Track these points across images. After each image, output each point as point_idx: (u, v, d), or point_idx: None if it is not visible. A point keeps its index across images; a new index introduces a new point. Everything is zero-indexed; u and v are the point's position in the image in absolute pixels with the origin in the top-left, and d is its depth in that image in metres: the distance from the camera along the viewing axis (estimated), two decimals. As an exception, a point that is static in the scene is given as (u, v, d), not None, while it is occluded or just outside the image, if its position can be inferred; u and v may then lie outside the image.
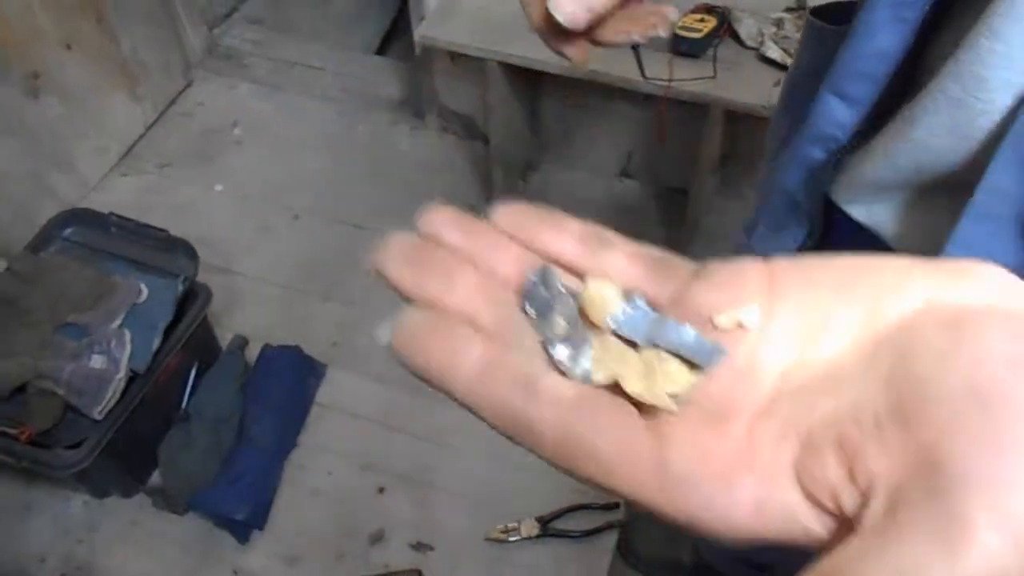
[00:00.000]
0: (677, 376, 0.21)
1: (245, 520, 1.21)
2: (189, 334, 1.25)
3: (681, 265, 0.23)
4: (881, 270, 0.20)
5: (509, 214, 0.24)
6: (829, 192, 0.53)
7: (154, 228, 1.31)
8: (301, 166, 1.83)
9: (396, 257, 0.23)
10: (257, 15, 2.15)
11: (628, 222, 1.69)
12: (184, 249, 1.30)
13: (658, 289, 0.22)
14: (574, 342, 0.22)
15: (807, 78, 0.53)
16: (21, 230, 1.39)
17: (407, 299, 0.23)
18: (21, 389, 1.15)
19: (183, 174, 1.82)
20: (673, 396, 0.21)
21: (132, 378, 1.17)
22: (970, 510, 0.16)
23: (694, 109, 1.38)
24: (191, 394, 1.30)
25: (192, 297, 1.27)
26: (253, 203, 1.77)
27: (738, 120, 1.39)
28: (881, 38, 0.42)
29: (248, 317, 1.54)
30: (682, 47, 1.33)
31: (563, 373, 0.21)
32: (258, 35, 2.09)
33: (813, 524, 0.19)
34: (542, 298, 0.22)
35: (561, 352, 0.21)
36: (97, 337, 1.16)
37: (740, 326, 0.21)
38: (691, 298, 0.22)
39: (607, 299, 0.22)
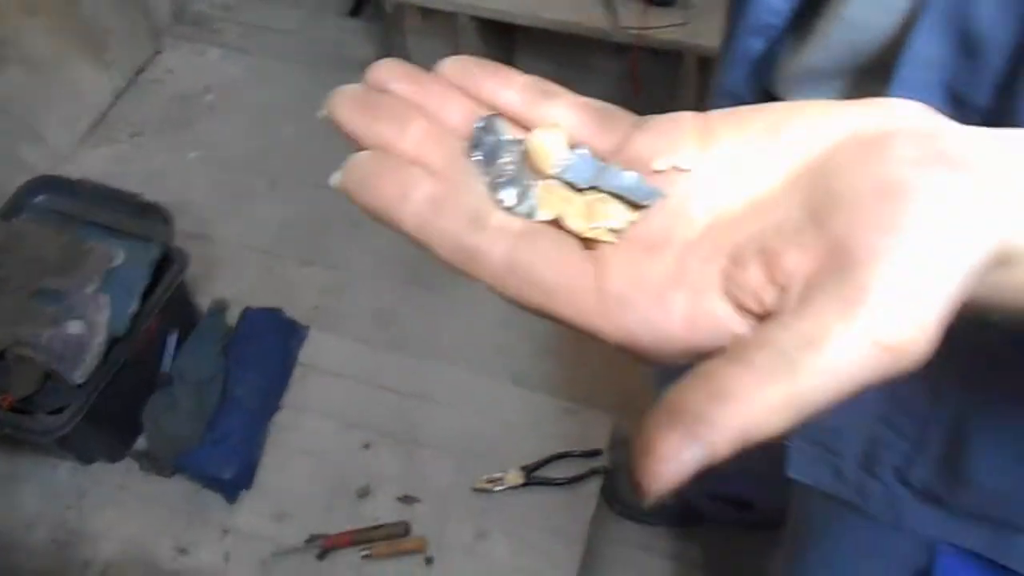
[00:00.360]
0: (617, 214, 0.22)
1: (232, 479, 1.22)
2: (167, 298, 1.25)
3: (623, 116, 0.24)
4: (808, 110, 0.22)
5: (456, 66, 0.24)
6: (770, 87, 0.53)
7: (127, 193, 1.30)
8: (276, 131, 1.82)
9: (347, 104, 0.23)
10: (225, -21, 2.11)
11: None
12: (159, 213, 1.29)
13: (601, 139, 0.23)
14: (520, 184, 0.23)
15: None
16: (-8, 200, 1.37)
17: (357, 144, 0.23)
18: (0, 356, 1.14)
19: (156, 142, 1.80)
20: (612, 231, 0.22)
21: (112, 343, 1.17)
22: (870, 280, 0.18)
23: (668, 59, 1.38)
24: (173, 358, 1.30)
25: (168, 262, 1.27)
26: (229, 169, 1.75)
27: (712, 68, 1.39)
28: None
29: (227, 283, 1.54)
30: (654, -5, 1.33)
31: (508, 212, 0.23)
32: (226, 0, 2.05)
33: (739, 329, 0.21)
34: (489, 144, 0.23)
35: (507, 193, 0.23)
36: (74, 302, 1.15)
37: (676, 169, 0.22)
38: (632, 146, 0.23)
39: (553, 146, 0.23)
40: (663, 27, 1.30)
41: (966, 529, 0.49)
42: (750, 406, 0.18)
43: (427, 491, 1.27)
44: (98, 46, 1.76)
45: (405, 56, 1.77)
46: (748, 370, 0.18)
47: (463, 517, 1.25)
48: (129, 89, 1.88)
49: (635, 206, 0.22)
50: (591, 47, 1.48)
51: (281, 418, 1.34)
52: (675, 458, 0.18)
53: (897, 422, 0.46)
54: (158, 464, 1.26)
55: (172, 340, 1.31)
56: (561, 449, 1.29)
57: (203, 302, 1.43)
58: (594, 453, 1.30)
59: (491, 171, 0.23)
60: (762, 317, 0.20)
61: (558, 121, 0.23)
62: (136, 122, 1.83)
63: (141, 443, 1.29)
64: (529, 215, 0.22)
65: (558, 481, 1.27)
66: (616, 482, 1.30)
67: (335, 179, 0.22)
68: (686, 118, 0.23)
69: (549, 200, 0.23)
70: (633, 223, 0.22)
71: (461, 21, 1.44)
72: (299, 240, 1.64)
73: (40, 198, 1.30)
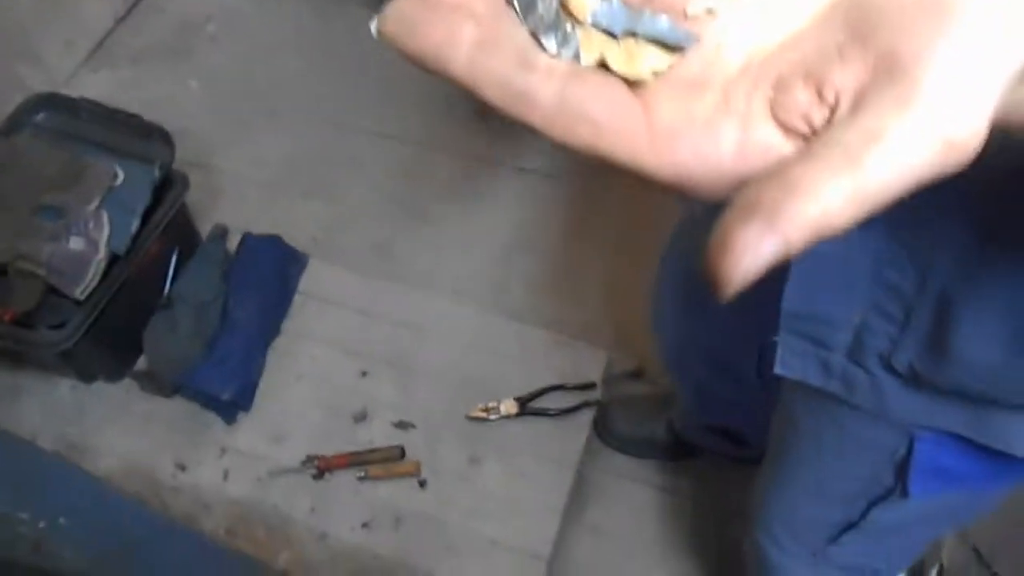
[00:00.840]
0: (656, 56, 0.23)
1: (231, 400, 1.24)
2: (168, 220, 1.25)
3: None
4: None
5: None
6: None
7: (128, 114, 1.29)
8: (278, 63, 1.80)
9: None
10: (227, -94, 2.06)
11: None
12: (160, 135, 1.28)
13: None
14: (560, 30, 0.23)
15: None
16: (-9, 119, 1.36)
17: None
18: (2, 272, 1.15)
19: (156, 70, 1.78)
20: (655, 73, 0.23)
21: (113, 261, 1.18)
22: (922, 78, 0.19)
23: None
24: (173, 280, 1.31)
25: (169, 184, 1.27)
26: (229, 100, 1.74)
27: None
28: None
29: (228, 211, 1.54)
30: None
31: (554, 57, 0.23)
32: (229, -73, 2.01)
33: (788, 153, 0.21)
34: None
35: (549, 39, 0.23)
36: (74, 218, 1.15)
37: (709, 12, 0.23)
38: None
39: None
40: None
41: (945, 411, 0.50)
42: (822, 198, 0.18)
43: (422, 418, 1.30)
44: (98, -31, 1.73)
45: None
46: (818, 164, 0.19)
47: (457, 443, 1.27)
48: (130, 15, 1.85)
49: (672, 50, 0.23)
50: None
51: (280, 343, 1.36)
52: (753, 250, 0.18)
53: (886, 306, 0.47)
54: (158, 384, 1.28)
55: (173, 262, 1.32)
56: (555, 381, 1.31)
57: (204, 228, 1.43)
58: (588, 386, 1.32)
59: (530, 19, 0.23)
60: (810, 138, 0.21)
61: None
62: (136, 48, 1.81)
63: (141, 363, 1.31)
64: (574, 59, 0.23)
65: (551, 412, 1.29)
66: (609, 413, 1.33)
67: (374, 26, 0.22)
68: None
69: (590, 44, 0.23)
70: (672, 66, 0.23)
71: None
72: (299, 173, 1.64)
73: (40, 116, 1.29)
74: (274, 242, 1.40)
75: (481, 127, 1.66)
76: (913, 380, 0.50)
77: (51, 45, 1.68)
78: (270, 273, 1.36)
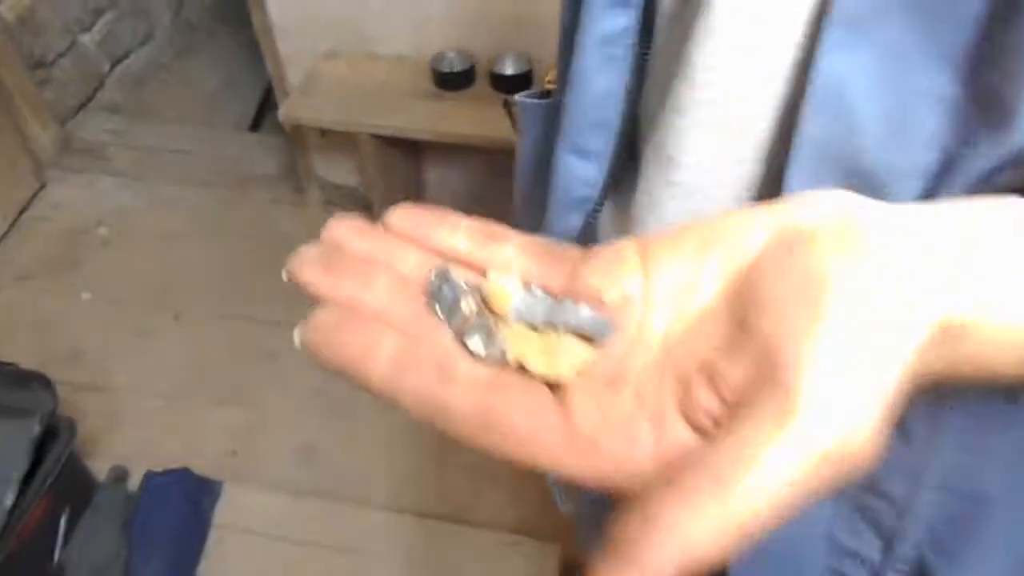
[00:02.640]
0: (576, 351, 0.23)
1: None
2: (53, 478, 1.11)
3: (569, 251, 0.25)
4: (732, 219, 0.22)
5: (404, 217, 0.25)
6: None
7: (1, 363, 1.16)
8: (178, 260, 1.70)
9: (309, 264, 0.24)
10: (113, 102, 2.01)
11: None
12: (39, 381, 1.15)
13: (551, 275, 0.24)
14: (484, 329, 0.23)
15: (537, 159, 0.51)
16: None
17: (321, 302, 0.23)
18: None
19: (45, 285, 1.66)
20: (575, 371, 0.23)
21: (-14, 543, 1.02)
22: (797, 386, 0.18)
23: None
24: (64, 544, 1.15)
25: (53, 434, 1.13)
26: (127, 308, 1.62)
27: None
28: (599, 82, 0.39)
29: (130, 438, 1.40)
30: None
31: (477, 360, 0.23)
32: (117, 124, 1.96)
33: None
34: (446, 296, 0.24)
35: (474, 340, 0.23)
36: (-64, 505, 1.00)
37: (625, 298, 0.23)
38: (581, 279, 0.24)
39: (508, 289, 0.24)
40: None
41: None
42: (683, 532, 0.17)
43: (368, 663, 1.14)
44: (-28, 189, 1.63)
45: (310, 171, 1.70)
46: (682, 492, 0.18)
47: None
48: (12, 230, 1.74)
49: (593, 341, 0.23)
50: (499, 153, 1.44)
51: (197, 594, 1.20)
52: None
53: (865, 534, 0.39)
54: (52, 674, 1.09)
55: (63, 522, 1.16)
56: (511, 593, 1.19)
57: (101, 465, 1.29)
58: (548, 591, 1.19)
59: (454, 321, 0.23)
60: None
61: (509, 263, 0.24)
62: (21, 265, 1.69)
63: (32, 649, 1.12)
64: (499, 359, 0.23)
65: (512, 631, 1.16)
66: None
67: (297, 337, 0.23)
68: (628, 246, 0.24)
69: (514, 340, 0.23)
70: (593, 361, 0.23)
71: (361, 139, 1.38)
72: (208, 379, 1.51)
73: (-103, 380, 1.15)
74: (181, 477, 1.26)
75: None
76: None
77: (-78, 277, 1.55)
78: (178, 515, 1.22)
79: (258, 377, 1.51)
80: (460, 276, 0.24)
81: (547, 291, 0.24)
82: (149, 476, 1.25)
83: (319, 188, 1.74)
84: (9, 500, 1.04)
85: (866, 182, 0.29)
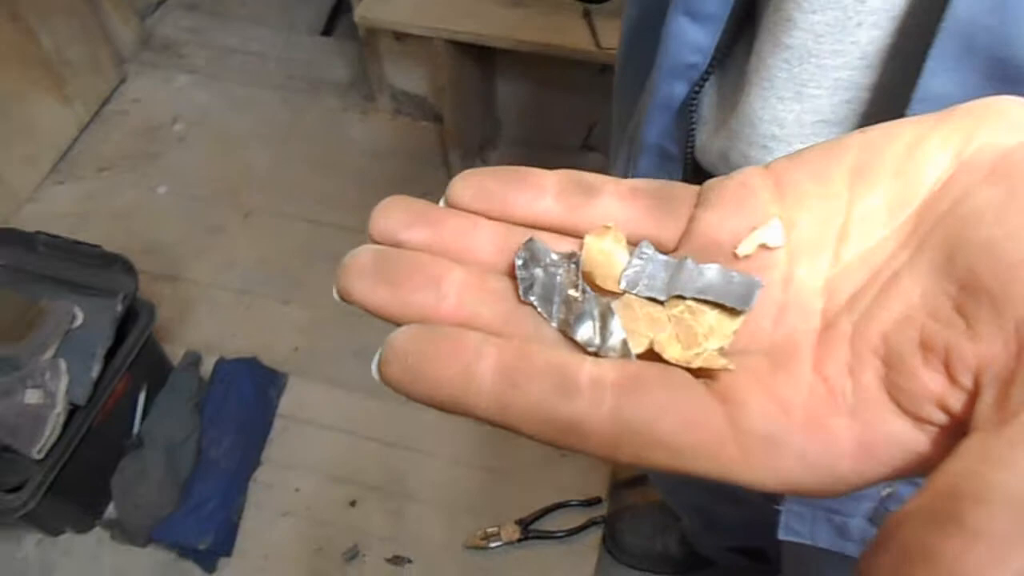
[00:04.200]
0: (717, 326, 0.18)
1: (209, 549, 1.15)
2: (133, 357, 1.17)
3: (682, 193, 0.20)
4: (893, 140, 0.18)
5: (469, 187, 0.20)
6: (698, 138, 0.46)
7: (87, 244, 1.22)
8: (249, 160, 1.73)
9: (361, 278, 0.19)
10: (192, 0, 2.02)
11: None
12: (122, 264, 1.21)
13: (663, 228, 0.19)
14: (592, 316, 0.19)
15: (643, 27, 0.46)
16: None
17: (391, 321, 0.19)
18: (-47, 431, 1.06)
19: (124, 177, 1.71)
20: (721, 352, 0.18)
21: (73, 410, 1.09)
22: None
23: (656, 77, 1.31)
24: (143, 419, 1.23)
25: (133, 316, 1.19)
26: (200, 204, 1.67)
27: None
28: None
29: (202, 327, 1.46)
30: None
31: (594, 354, 0.18)
32: (194, 22, 1.97)
33: (924, 446, 0.16)
34: (539, 279, 0.19)
35: (584, 332, 0.18)
36: (29, 370, 1.07)
37: (764, 248, 0.18)
38: (701, 228, 0.19)
39: (611, 256, 0.19)
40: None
41: None
42: None
43: (418, 550, 1.20)
44: (59, 80, 1.67)
45: (381, 78, 1.69)
46: (982, 543, 0.12)
47: (457, 577, 1.18)
48: (94, 122, 1.79)
49: (732, 312, 0.18)
50: (574, 65, 1.40)
51: (262, 475, 1.27)
52: None
53: None
54: (130, 534, 1.18)
55: (141, 399, 1.23)
56: (558, 499, 1.22)
57: (176, 350, 1.35)
58: (593, 501, 1.23)
59: (554, 310, 0.19)
60: (953, 426, 0.16)
61: (609, 221, 0.19)
62: (102, 157, 1.74)
63: (112, 511, 1.22)
64: (620, 350, 0.18)
65: (557, 534, 1.20)
66: (618, 529, 1.23)
67: (376, 370, 0.18)
68: (754, 178, 0.19)
69: (635, 322, 0.19)
70: (736, 332, 0.18)
71: (436, 45, 1.37)
72: (276, 277, 1.56)
73: (-7, 254, 1.21)
74: (250, 365, 1.32)
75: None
76: None
77: (11, 162, 1.61)
78: (247, 401, 1.28)
79: (322, 278, 1.55)
80: (549, 250, 0.19)
81: (660, 250, 0.19)
82: (220, 362, 1.31)
83: (390, 96, 1.74)
84: (95, 372, 1.11)
85: (1013, 83, 0.27)
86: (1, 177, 1.59)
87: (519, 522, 1.20)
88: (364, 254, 0.19)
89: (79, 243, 1.22)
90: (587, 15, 1.27)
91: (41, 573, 1.20)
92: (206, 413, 1.25)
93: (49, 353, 1.09)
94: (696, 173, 0.48)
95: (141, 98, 1.84)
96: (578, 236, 0.19)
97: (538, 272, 0.19)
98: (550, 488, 1.23)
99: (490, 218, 0.20)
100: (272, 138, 1.77)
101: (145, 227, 1.61)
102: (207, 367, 1.33)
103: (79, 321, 1.13)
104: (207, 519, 1.15)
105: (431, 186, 1.63)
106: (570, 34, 1.26)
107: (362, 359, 1.45)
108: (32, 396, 1.06)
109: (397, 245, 0.19)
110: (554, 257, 0.19)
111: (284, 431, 1.31)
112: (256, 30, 1.95)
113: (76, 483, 1.13)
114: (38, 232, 1.22)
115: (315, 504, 1.24)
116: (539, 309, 0.19)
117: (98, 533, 1.22)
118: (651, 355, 0.18)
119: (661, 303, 0.19)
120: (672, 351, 0.18)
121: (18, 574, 1.20)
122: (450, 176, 1.65)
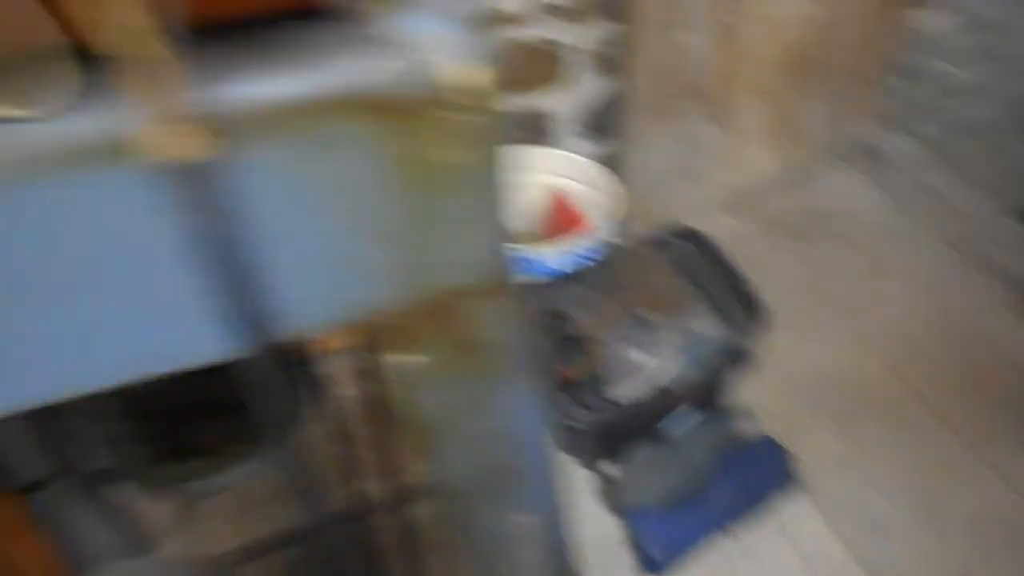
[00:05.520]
0: None
1: (656, 559, 1.25)
2: (715, 387, 1.31)
3: None
4: None
5: None
6: None
7: (736, 274, 1.38)
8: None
9: None
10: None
11: None
12: (751, 303, 1.35)
13: None
14: None
15: None
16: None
17: None
18: (574, 340, 1.34)
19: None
20: None
21: (661, 392, 1.28)
22: None
23: None
24: (674, 425, 1.38)
25: (739, 353, 1.32)
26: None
27: None
28: None
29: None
30: None
31: None
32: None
33: None
34: None
35: None
36: (655, 339, 1.28)
37: None
38: None
39: None
40: None
41: None
42: None
43: None
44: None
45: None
46: None
47: None
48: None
49: None
50: None
51: (744, 536, 1.31)
52: None
53: None
54: (615, 498, 1.35)
55: (692, 417, 1.38)
56: None
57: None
58: None
59: None
60: None
61: None
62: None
63: (615, 471, 1.39)
64: None
65: None
66: None
67: None
68: None
69: None
70: None
71: None
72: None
73: (679, 242, 1.46)
74: (775, 452, 1.37)
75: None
76: None
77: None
78: (757, 477, 1.34)
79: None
80: None
81: None
82: (764, 439, 1.38)
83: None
84: (694, 374, 1.27)
85: None
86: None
87: None
88: None
89: (733, 270, 1.39)
90: None
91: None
92: (724, 460, 1.34)
93: (675, 340, 1.30)
94: None
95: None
96: None
97: None
98: None
99: None
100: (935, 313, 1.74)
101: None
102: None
103: (702, 332, 1.31)
104: (670, 536, 1.26)
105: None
106: None
107: None
108: (639, 357, 1.28)
109: None
110: None
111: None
112: (960, 190, 1.93)
113: (612, 436, 1.33)
114: (712, 244, 1.43)
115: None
116: None
117: (587, 476, 1.41)
118: None
119: None
120: None
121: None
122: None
